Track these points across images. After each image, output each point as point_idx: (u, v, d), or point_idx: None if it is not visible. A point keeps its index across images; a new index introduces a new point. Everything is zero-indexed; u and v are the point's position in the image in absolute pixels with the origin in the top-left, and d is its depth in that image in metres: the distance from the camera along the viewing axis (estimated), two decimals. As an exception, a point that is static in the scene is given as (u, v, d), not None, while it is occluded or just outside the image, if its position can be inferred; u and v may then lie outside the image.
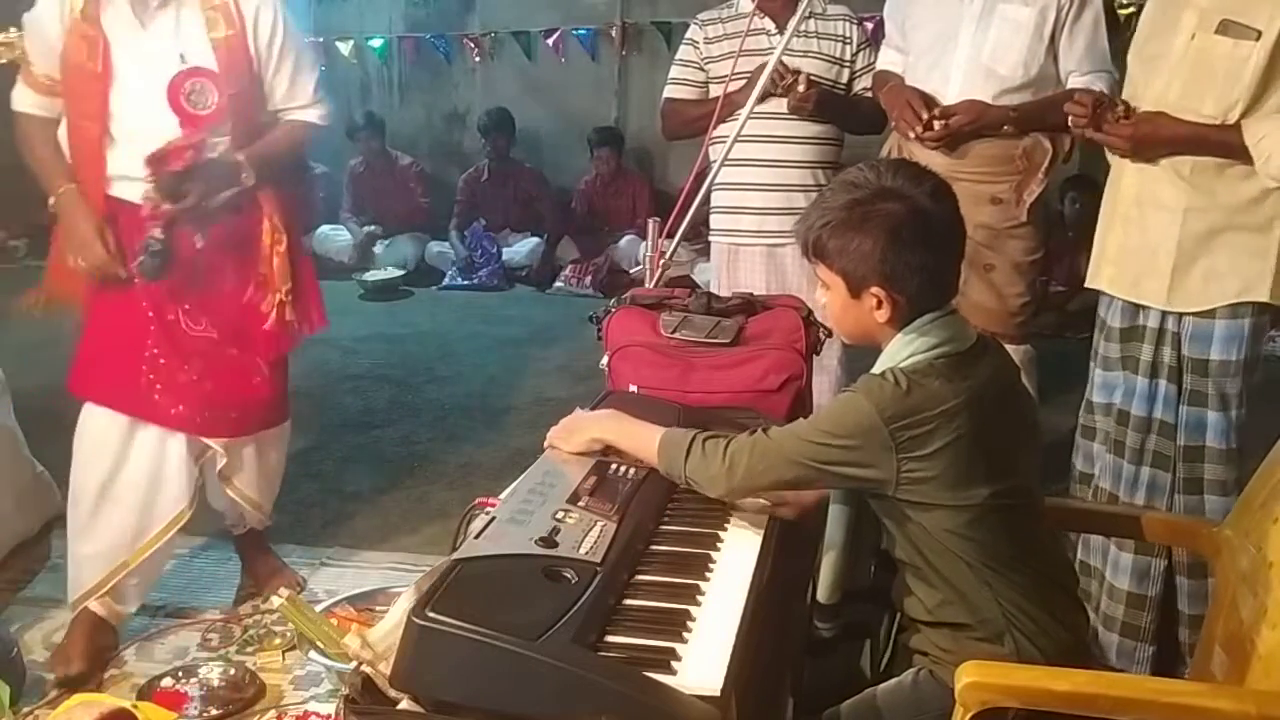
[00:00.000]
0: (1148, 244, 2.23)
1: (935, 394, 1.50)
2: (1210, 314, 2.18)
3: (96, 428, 2.45)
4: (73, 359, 2.49)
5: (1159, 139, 2.16)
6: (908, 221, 1.50)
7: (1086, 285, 2.40)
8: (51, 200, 2.38)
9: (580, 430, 1.77)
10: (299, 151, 2.64)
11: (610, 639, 1.31)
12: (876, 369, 1.57)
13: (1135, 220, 2.25)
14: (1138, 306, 2.28)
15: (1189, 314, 2.20)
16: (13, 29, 2.42)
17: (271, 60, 2.46)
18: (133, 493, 2.46)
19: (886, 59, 3.04)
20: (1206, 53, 2.09)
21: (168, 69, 2.34)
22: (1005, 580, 1.55)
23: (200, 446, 2.53)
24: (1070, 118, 2.28)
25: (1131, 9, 4.90)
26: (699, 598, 1.42)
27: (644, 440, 1.70)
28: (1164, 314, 2.23)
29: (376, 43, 7.21)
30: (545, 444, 1.80)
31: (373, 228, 6.83)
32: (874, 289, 1.53)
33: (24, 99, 2.41)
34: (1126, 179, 2.27)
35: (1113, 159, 2.33)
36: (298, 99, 2.54)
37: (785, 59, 2.90)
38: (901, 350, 1.55)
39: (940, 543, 1.54)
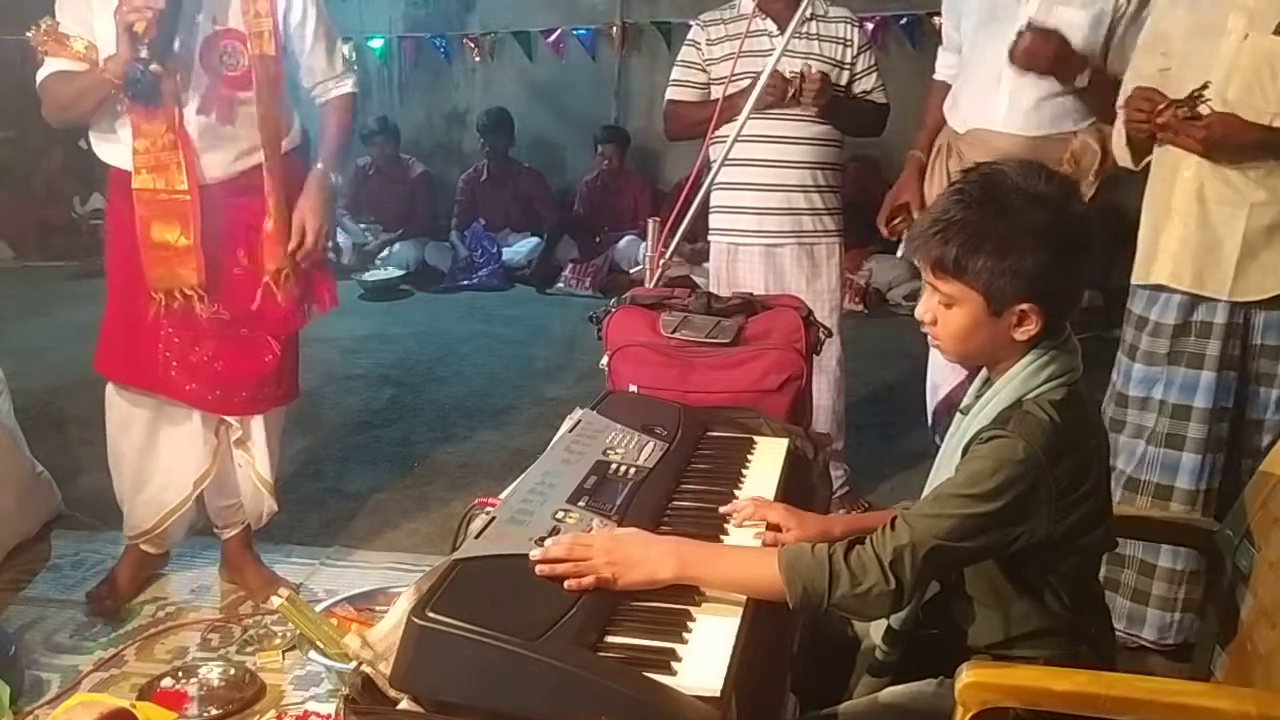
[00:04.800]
0: (1211, 237, 2.28)
1: (1082, 427, 1.42)
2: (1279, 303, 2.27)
3: (123, 400, 2.64)
4: (97, 340, 2.62)
5: (1231, 142, 2.21)
6: (1063, 230, 1.38)
7: (1137, 282, 2.43)
8: (107, 74, 2.33)
9: (634, 566, 1.40)
10: (351, 126, 2.75)
11: (610, 639, 1.31)
12: (1000, 399, 1.45)
13: (1196, 214, 2.30)
14: (1194, 302, 2.32)
15: (1257, 307, 2.28)
16: (45, 19, 2.40)
17: (307, 36, 2.54)
18: (167, 449, 2.66)
19: (945, 63, 3.05)
20: (1266, 53, 2.17)
21: (201, 29, 2.40)
22: (1073, 606, 1.49)
23: (215, 421, 2.66)
24: (1126, 117, 2.32)
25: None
26: (699, 598, 1.41)
27: (737, 568, 1.45)
28: (1231, 308, 2.29)
29: (376, 43, 7.22)
30: (565, 557, 1.39)
31: (372, 236, 6.79)
32: (1023, 305, 1.40)
33: (57, 65, 2.39)
34: (1187, 174, 2.30)
35: (1161, 155, 2.36)
36: (335, 70, 2.64)
37: (785, 61, 2.90)
38: (1035, 376, 1.43)
39: (1025, 580, 1.47)
